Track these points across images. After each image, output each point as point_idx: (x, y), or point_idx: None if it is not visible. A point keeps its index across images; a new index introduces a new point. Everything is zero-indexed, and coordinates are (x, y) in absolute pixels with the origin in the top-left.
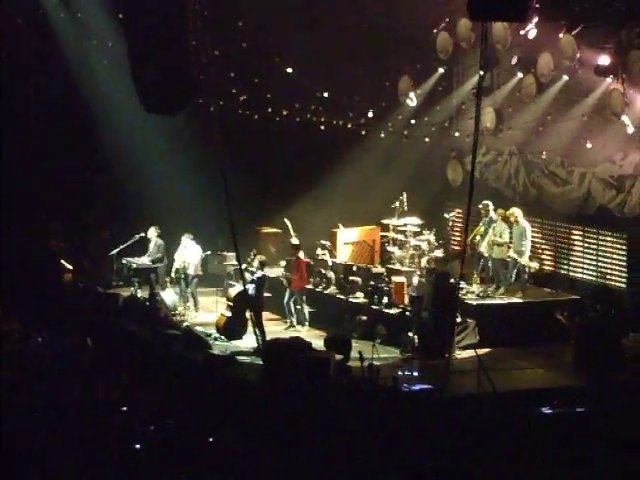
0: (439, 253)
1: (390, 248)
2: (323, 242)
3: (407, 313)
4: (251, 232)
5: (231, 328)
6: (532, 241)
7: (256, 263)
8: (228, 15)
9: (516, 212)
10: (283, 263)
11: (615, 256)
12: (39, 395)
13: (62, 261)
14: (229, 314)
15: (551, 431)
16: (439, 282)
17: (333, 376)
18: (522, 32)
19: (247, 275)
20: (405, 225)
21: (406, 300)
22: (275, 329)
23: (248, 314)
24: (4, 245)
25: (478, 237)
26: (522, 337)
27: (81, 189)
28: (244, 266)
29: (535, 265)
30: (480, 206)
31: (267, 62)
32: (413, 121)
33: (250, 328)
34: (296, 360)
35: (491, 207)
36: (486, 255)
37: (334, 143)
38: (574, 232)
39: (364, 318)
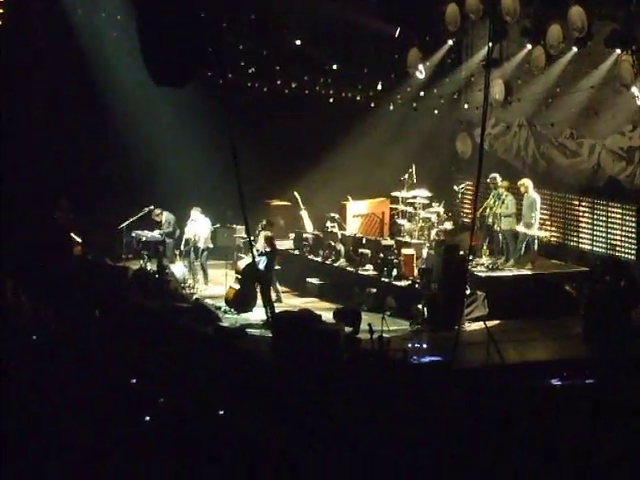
0: (448, 225)
1: (399, 220)
2: (332, 215)
3: (416, 285)
4: (260, 205)
5: (240, 301)
6: (542, 213)
7: (261, 242)
8: None
9: (527, 182)
10: (292, 235)
11: (625, 228)
12: (46, 369)
13: (72, 234)
14: (238, 287)
15: (560, 403)
16: (448, 254)
17: (343, 348)
18: (531, 3)
19: (256, 248)
20: (414, 197)
21: (415, 272)
22: (285, 301)
23: (258, 287)
24: (12, 219)
25: (488, 210)
26: (531, 309)
27: (89, 162)
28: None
29: (546, 234)
30: (488, 180)
31: (276, 34)
32: (422, 93)
33: (260, 301)
34: (306, 332)
35: (499, 180)
36: (495, 228)
37: (343, 115)
38: (583, 204)
39: (373, 290)
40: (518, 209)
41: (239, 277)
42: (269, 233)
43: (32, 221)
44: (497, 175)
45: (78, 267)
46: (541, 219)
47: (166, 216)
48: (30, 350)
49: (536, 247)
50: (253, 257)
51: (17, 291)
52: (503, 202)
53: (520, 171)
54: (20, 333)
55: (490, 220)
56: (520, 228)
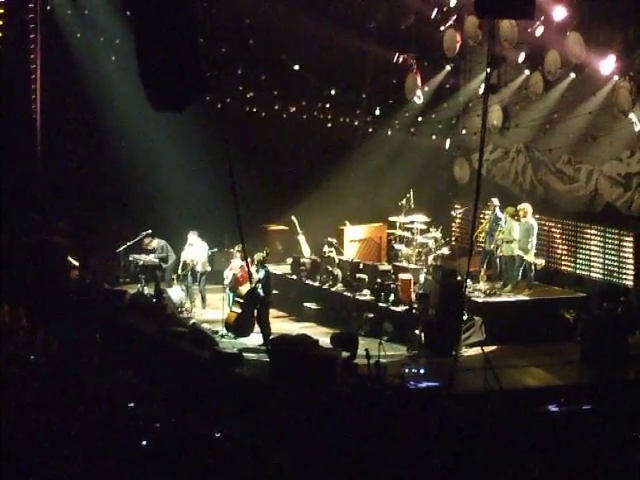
0: (446, 250)
1: (397, 245)
2: (330, 239)
3: (414, 310)
4: (258, 229)
5: (240, 325)
6: (539, 239)
7: (255, 264)
8: (235, 13)
9: (526, 208)
10: (290, 260)
11: (622, 254)
12: (44, 391)
13: (69, 258)
14: (239, 311)
15: (558, 429)
16: (446, 279)
17: (340, 373)
18: (529, 30)
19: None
20: (412, 222)
21: (413, 297)
22: (282, 326)
23: (255, 312)
24: (11, 242)
25: (483, 234)
26: (529, 335)
27: (87, 186)
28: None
29: (541, 262)
30: (488, 204)
31: (274, 59)
32: (420, 118)
33: (257, 327)
34: (303, 357)
35: (496, 204)
36: (497, 253)
37: (341, 140)
38: (581, 230)
39: (371, 315)
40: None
41: (240, 301)
42: (261, 255)
43: (30, 245)
44: (495, 199)
45: (75, 291)
46: (538, 244)
47: (157, 242)
48: (28, 373)
49: (533, 273)
50: (251, 280)
51: (15, 314)
52: (504, 227)
53: (518, 197)
54: (18, 356)
55: (492, 245)
56: (517, 251)
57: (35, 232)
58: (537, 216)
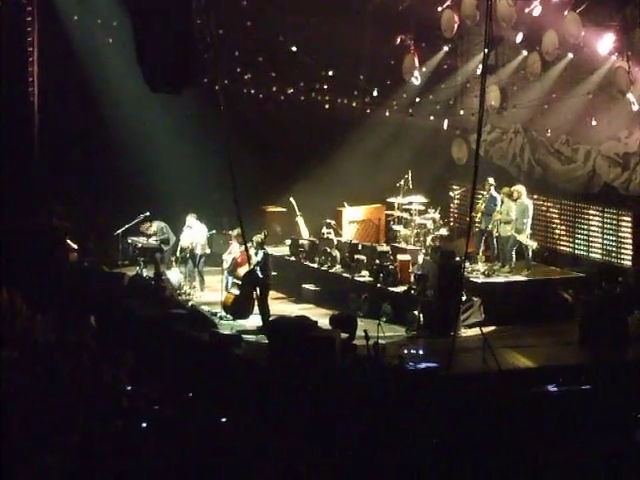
0: (444, 231)
1: (395, 226)
2: (328, 221)
3: (412, 291)
4: (256, 211)
5: (238, 307)
6: (537, 219)
7: (253, 246)
8: None
9: (520, 189)
10: (288, 242)
11: (620, 234)
12: (43, 374)
13: (68, 240)
14: (237, 293)
15: (556, 409)
16: (444, 260)
17: (339, 355)
18: (527, 10)
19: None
20: (410, 203)
21: (411, 278)
22: (281, 307)
23: (255, 294)
24: (9, 225)
25: (479, 214)
26: (527, 315)
27: (85, 169)
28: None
29: (534, 244)
30: (485, 183)
31: (272, 41)
32: (418, 99)
33: (256, 308)
34: (302, 339)
35: (491, 184)
36: (495, 234)
37: (339, 122)
38: (579, 210)
39: (369, 296)
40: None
41: (239, 283)
42: (259, 237)
43: (29, 229)
44: (491, 179)
45: (74, 273)
46: (537, 225)
47: (157, 225)
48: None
49: (530, 254)
50: (249, 262)
51: (14, 298)
52: (501, 208)
53: (516, 177)
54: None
55: (490, 226)
56: (511, 232)
57: (34, 216)
58: (535, 197)
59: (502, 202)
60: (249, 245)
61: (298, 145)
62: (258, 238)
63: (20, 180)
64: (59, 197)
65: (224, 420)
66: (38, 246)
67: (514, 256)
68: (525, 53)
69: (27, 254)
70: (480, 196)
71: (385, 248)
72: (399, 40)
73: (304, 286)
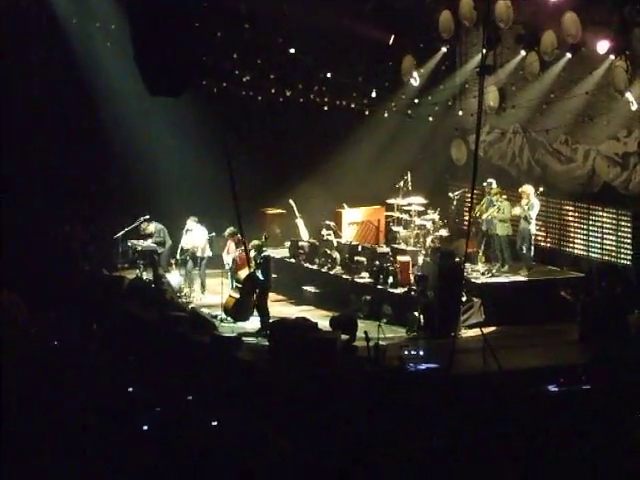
0: (444, 232)
1: (395, 228)
2: (328, 222)
3: (412, 292)
4: (256, 213)
5: (239, 309)
6: (537, 219)
7: (252, 251)
8: None
9: (527, 189)
10: (288, 244)
11: (620, 233)
12: (43, 377)
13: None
14: (237, 295)
15: (557, 409)
16: (444, 261)
17: (339, 356)
18: (525, 10)
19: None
20: (410, 204)
21: (411, 279)
22: (281, 309)
23: (254, 296)
24: (12, 230)
25: (482, 215)
26: (527, 315)
27: (84, 173)
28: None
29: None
30: (484, 184)
31: (270, 43)
32: (416, 100)
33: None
34: (302, 340)
35: (494, 185)
36: (491, 233)
37: (338, 123)
38: (579, 210)
39: (369, 298)
40: (513, 215)
41: (239, 286)
42: (256, 241)
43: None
44: (493, 181)
45: (75, 277)
46: (537, 225)
47: (155, 226)
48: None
49: (532, 253)
50: (249, 265)
51: (14, 300)
52: (498, 208)
53: (515, 177)
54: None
55: (484, 226)
56: (524, 224)
57: (36, 219)
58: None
59: (498, 202)
60: (249, 248)
61: (297, 147)
62: (257, 241)
63: (19, 182)
64: (59, 200)
65: (223, 423)
66: (40, 250)
67: (532, 252)
68: (523, 53)
69: (28, 257)
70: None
71: (385, 249)
72: (397, 41)
73: (304, 288)
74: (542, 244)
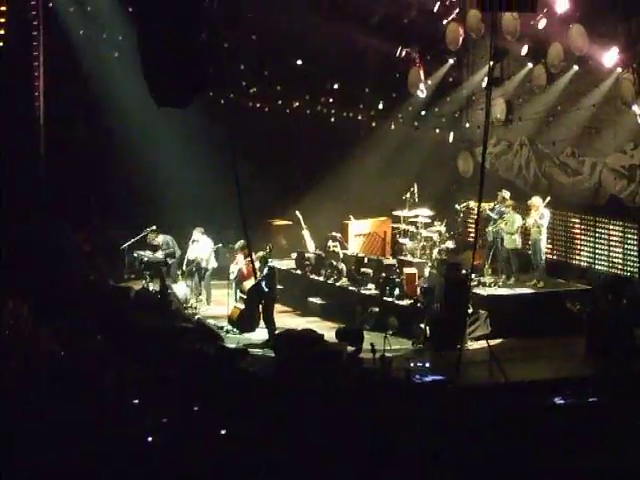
0: (450, 244)
1: (401, 239)
2: (334, 234)
3: (419, 304)
4: (262, 225)
5: (244, 321)
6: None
7: (257, 262)
8: (238, 8)
9: (536, 202)
10: (294, 255)
11: (626, 246)
12: (48, 387)
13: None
14: (242, 307)
15: (563, 422)
16: (450, 273)
17: (345, 368)
18: (532, 22)
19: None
20: (416, 216)
21: (418, 291)
22: (287, 321)
23: (260, 307)
24: (17, 240)
25: (489, 226)
26: (534, 328)
27: (91, 183)
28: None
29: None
30: (498, 193)
31: (277, 55)
32: (423, 112)
33: (262, 321)
34: (308, 352)
35: (507, 196)
36: (498, 245)
37: (345, 135)
38: (585, 222)
39: (376, 310)
40: (526, 227)
41: (244, 297)
42: (261, 253)
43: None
44: (507, 193)
45: (81, 287)
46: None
47: (163, 238)
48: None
49: (543, 262)
50: (255, 276)
51: (20, 309)
52: (506, 220)
53: (522, 190)
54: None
55: (491, 238)
56: (535, 235)
57: (42, 228)
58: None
59: (507, 213)
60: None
61: (304, 158)
62: (261, 254)
63: (26, 191)
64: (65, 211)
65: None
66: (47, 258)
67: (543, 260)
68: (530, 65)
69: (35, 266)
70: (490, 208)
71: (391, 261)
72: (404, 53)
73: (310, 299)
74: (549, 256)
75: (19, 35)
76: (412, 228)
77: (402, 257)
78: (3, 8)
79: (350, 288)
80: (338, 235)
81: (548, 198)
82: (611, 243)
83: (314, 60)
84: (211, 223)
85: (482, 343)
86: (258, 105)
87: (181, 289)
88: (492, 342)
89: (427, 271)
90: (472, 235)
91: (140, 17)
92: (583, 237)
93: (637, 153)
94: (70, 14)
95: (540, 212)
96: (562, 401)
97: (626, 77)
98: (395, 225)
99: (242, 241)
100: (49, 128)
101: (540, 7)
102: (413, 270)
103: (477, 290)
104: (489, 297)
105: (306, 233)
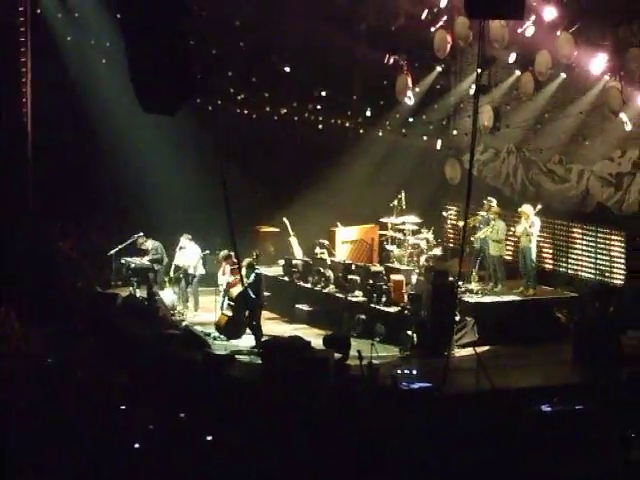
0: (438, 251)
1: (389, 247)
2: (322, 241)
3: (406, 311)
4: (250, 231)
5: (231, 327)
6: None
7: (245, 268)
8: (226, 14)
9: (527, 210)
10: (281, 262)
11: (613, 253)
12: (36, 394)
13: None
14: (230, 313)
15: (550, 429)
16: (438, 280)
17: (332, 375)
18: (519, 30)
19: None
20: (404, 223)
21: (405, 299)
22: (274, 328)
23: (247, 314)
24: (7, 244)
25: (476, 234)
26: (521, 335)
27: (78, 189)
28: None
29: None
30: (484, 202)
31: (265, 61)
32: (411, 119)
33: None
34: (295, 359)
35: (494, 204)
36: (485, 253)
37: (332, 142)
38: (573, 230)
39: (363, 317)
40: (516, 234)
41: (232, 304)
42: (249, 259)
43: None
44: (494, 200)
45: (68, 294)
46: None
47: (152, 243)
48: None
49: (535, 272)
50: (242, 282)
51: (8, 315)
52: (492, 227)
53: (509, 197)
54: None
55: (477, 245)
56: (525, 242)
57: (29, 235)
58: None
59: (493, 221)
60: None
61: (291, 165)
62: (248, 261)
63: (13, 196)
64: (53, 217)
65: (216, 439)
66: (34, 265)
67: (535, 269)
68: (518, 73)
69: (23, 272)
70: (478, 216)
71: (379, 268)
72: (392, 60)
73: (297, 306)
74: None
75: (6, 40)
76: (399, 235)
77: (389, 264)
78: None
79: (337, 295)
80: (326, 242)
81: (539, 206)
82: (598, 251)
83: (302, 67)
84: (199, 229)
85: (469, 350)
86: (246, 111)
87: (168, 296)
88: (479, 349)
89: (414, 278)
90: (459, 242)
91: (128, 23)
92: (570, 245)
93: (624, 161)
94: (58, 20)
95: (531, 220)
96: (549, 408)
97: (613, 85)
98: (382, 232)
99: (225, 251)
100: (37, 133)
101: (528, 15)
102: (400, 277)
103: (464, 297)
104: (476, 304)
105: (293, 240)
